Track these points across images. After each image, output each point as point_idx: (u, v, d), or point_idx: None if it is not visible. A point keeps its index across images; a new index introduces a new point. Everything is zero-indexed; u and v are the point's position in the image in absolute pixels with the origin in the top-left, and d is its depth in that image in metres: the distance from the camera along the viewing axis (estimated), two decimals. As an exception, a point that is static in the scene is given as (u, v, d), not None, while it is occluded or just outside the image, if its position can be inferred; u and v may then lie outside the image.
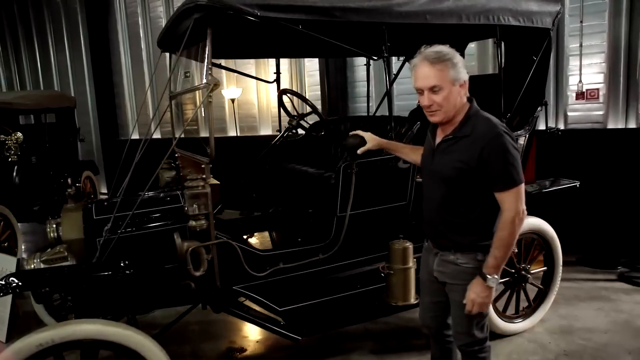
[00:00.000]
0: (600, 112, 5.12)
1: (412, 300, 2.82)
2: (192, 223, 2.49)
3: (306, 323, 2.88)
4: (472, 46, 5.58)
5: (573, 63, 5.19)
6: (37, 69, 11.16)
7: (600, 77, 5.08)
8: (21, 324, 3.54)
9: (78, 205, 2.71)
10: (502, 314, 3.45)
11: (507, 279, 3.45)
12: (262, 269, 2.79)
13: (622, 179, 4.89)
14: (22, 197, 6.22)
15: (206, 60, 2.49)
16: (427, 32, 3.32)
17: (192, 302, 2.91)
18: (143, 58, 9.37)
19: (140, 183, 2.59)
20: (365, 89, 4.90)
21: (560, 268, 3.63)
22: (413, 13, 2.84)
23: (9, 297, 3.63)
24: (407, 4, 2.82)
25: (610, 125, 5.05)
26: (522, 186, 2.03)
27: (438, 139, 2.16)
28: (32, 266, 2.45)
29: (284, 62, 7.34)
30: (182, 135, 3.45)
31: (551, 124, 5.28)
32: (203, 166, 2.65)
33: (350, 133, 2.67)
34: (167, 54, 3.66)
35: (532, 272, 3.51)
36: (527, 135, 3.61)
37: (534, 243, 3.52)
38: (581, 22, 5.02)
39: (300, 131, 3.74)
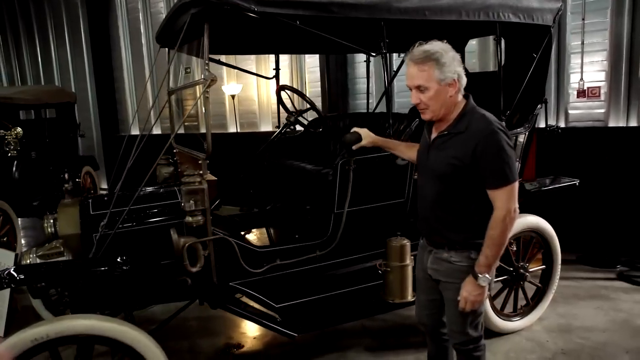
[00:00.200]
0: (602, 110, 5.09)
1: (410, 297, 2.80)
2: (189, 219, 2.49)
3: (303, 320, 2.88)
4: (473, 43, 5.55)
5: (574, 61, 5.16)
6: (38, 64, 11.16)
7: (602, 75, 5.04)
8: (20, 318, 3.56)
9: (75, 200, 2.71)
10: (500, 312, 3.44)
11: (505, 277, 3.44)
12: (259, 266, 2.79)
13: (622, 178, 4.87)
14: (21, 192, 6.22)
15: (204, 56, 2.48)
16: (426, 28, 3.29)
17: (188, 298, 2.90)
18: (144, 54, 9.35)
19: (139, 178, 2.58)
20: (366, 85, 4.89)
21: (559, 266, 3.62)
22: (412, 9, 2.82)
23: (7, 292, 3.65)
24: (406, 0, 2.80)
25: (612, 124, 5.03)
26: (516, 185, 2.01)
27: (433, 135, 2.16)
28: (28, 261, 2.45)
29: (285, 59, 7.33)
30: (182, 131, 3.44)
31: (552, 122, 5.26)
32: (200, 162, 2.65)
33: (352, 130, 2.66)
34: (167, 49, 3.65)
35: (530, 270, 3.50)
36: (527, 133, 3.60)
37: (533, 241, 3.51)
38: (583, 19, 4.99)
39: (299, 128, 3.73)
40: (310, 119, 3.83)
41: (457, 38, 4.16)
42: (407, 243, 2.78)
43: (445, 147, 2.07)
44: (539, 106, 3.63)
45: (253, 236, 3.49)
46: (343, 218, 2.92)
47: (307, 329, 2.93)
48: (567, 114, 5.32)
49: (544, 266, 3.60)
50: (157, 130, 8.32)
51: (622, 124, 4.98)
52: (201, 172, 2.55)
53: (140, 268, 2.48)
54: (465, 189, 2.06)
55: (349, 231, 2.96)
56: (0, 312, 3.71)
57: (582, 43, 5.05)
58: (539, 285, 3.60)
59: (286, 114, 3.60)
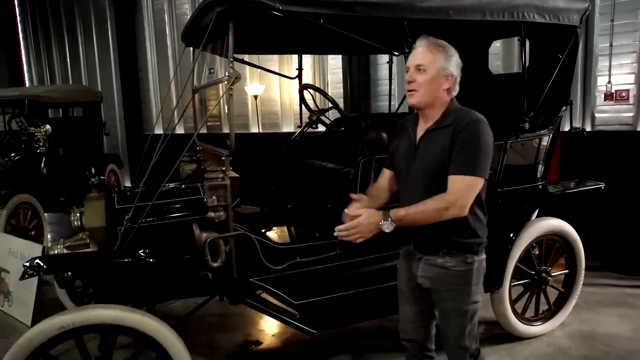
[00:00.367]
0: (630, 114, 4.98)
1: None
2: (211, 214, 2.52)
3: (321, 317, 2.89)
4: (497, 45, 5.50)
5: (602, 63, 5.07)
6: (67, 64, 11.48)
7: (631, 78, 4.93)
8: (46, 310, 3.66)
9: (101, 194, 2.78)
10: (521, 316, 3.39)
11: (527, 280, 3.39)
12: (279, 262, 2.80)
13: (650, 183, 4.76)
14: (49, 187, 6.39)
15: (228, 54, 2.52)
16: (450, 28, 3.28)
17: (209, 293, 2.94)
18: (168, 54, 9.53)
19: (162, 176, 2.63)
20: (388, 87, 4.88)
21: (583, 272, 3.55)
22: (435, 9, 2.81)
23: (35, 283, 3.77)
24: (430, 0, 2.79)
25: (640, 128, 4.92)
26: (479, 182, 1.92)
27: (419, 134, 2.09)
28: (56, 251, 2.52)
29: (307, 59, 7.37)
30: (205, 130, 3.49)
31: (578, 125, 5.17)
32: (223, 158, 2.67)
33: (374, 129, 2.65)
34: (191, 49, 3.71)
35: (553, 274, 3.45)
36: (551, 135, 3.54)
37: (555, 245, 3.46)
38: (612, 20, 4.90)
39: (321, 127, 3.74)
40: (332, 119, 3.85)
41: (481, 39, 4.12)
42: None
43: (434, 141, 2.02)
44: (563, 108, 3.57)
45: (273, 233, 3.51)
46: None
47: (326, 326, 2.93)
48: (593, 117, 5.22)
49: (567, 271, 3.54)
50: (180, 130, 8.45)
51: (651, 128, 4.88)
52: (224, 168, 2.59)
53: (163, 261, 2.52)
54: None
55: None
56: (28, 301, 3.85)
57: (611, 45, 4.95)
58: (562, 290, 3.54)
59: (308, 113, 3.62)
